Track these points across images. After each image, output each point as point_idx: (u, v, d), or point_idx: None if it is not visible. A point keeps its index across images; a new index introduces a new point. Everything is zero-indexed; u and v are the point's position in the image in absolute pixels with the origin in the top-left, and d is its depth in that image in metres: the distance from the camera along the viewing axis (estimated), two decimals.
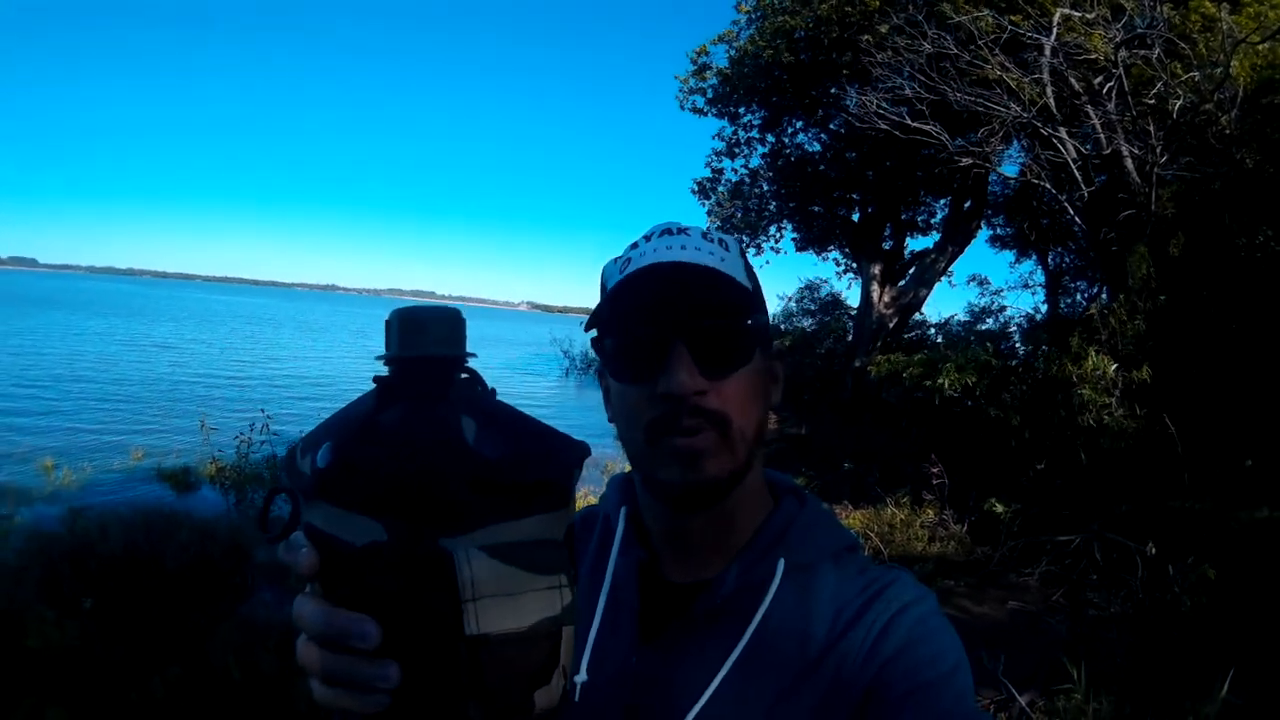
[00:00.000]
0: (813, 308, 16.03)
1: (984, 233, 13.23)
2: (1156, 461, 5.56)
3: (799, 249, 13.88)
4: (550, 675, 0.36)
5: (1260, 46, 6.34)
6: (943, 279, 12.48)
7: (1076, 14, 6.95)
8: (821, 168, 12.25)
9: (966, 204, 11.85)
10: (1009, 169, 9.54)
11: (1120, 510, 5.35)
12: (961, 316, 13.72)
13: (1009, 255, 14.05)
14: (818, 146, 12.40)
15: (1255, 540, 4.27)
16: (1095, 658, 3.32)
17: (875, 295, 12.14)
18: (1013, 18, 7.21)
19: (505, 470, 0.34)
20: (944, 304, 26.71)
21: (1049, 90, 6.99)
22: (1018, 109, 7.12)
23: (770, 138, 12.51)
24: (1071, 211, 7.70)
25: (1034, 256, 13.39)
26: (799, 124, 12.24)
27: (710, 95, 11.91)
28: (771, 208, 13.27)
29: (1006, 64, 7.10)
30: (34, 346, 19.09)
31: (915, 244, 13.48)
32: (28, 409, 10.38)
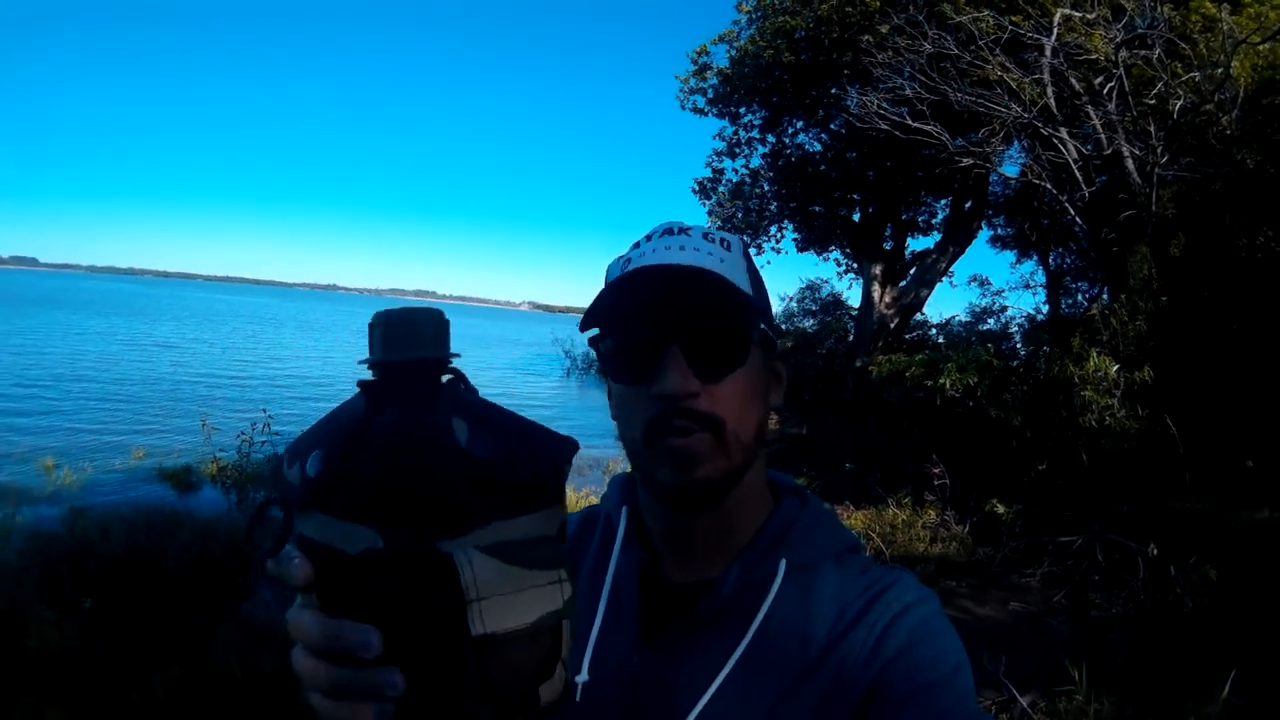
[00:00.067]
0: (814, 308, 16.07)
1: (985, 233, 13.27)
2: (1158, 462, 5.56)
3: (800, 249, 13.92)
4: (554, 669, 0.37)
5: (1261, 47, 6.34)
6: (944, 279, 12.52)
7: (1077, 14, 6.95)
8: (822, 168, 12.25)
9: (967, 204, 11.86)
10: (1010, 169, 9.56)
11: (1122, 511, 5.35)
12: (963, 317, 13.75)
13: (1010, 256, 14.07)
14: (818, 147, 12.44)
15: (1257, 541, 4.27)
16: (1097, 658, 3.33)
17: (876, 295, 12.15)
18: (1013, 18, 7.21)
19: (500, 470, 0.34)
20: (945, 304, 26.76)
21: (1049, 90, 6.99)
22: (1018, 109, 7.12)
23: (771, 138, 12.54)
24: (1072, 212, 7.70)
25: (1035, 257, 13.40)
26: (799, 124, 12.26)
27: (711, 95, 11.93)
28: (772, 208, 13.28)
29: (1007, 64, 7.10)
30: (35, 346, 19.07)
31: (916, 244, 13.53)
32: (28, 409, 10.38)
